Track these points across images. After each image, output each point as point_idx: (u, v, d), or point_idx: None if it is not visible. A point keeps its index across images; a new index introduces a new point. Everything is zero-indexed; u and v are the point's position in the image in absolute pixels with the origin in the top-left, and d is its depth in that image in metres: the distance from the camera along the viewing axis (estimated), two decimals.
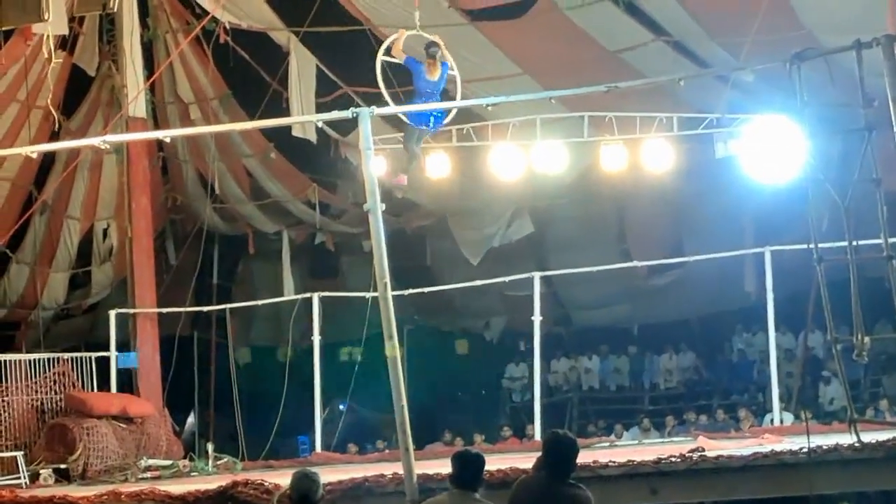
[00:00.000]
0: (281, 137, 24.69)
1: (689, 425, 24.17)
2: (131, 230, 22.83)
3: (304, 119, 22.37)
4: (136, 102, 22.22)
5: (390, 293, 12.56)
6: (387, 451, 22.68)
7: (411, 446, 12.66)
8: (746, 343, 28.64)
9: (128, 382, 22.11)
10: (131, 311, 22.43)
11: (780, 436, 16.60)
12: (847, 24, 18.34)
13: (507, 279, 22.73)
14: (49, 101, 19.90)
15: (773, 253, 19.71)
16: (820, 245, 12.17)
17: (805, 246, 12.83)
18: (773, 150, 18.27)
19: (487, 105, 14.84)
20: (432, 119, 16.68)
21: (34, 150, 17.46)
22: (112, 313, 22.42)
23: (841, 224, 13.22)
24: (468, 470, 9.52)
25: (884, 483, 13.89)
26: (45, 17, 13.17)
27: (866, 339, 11.03)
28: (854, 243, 11.25)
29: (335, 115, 14.31)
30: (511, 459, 14.51)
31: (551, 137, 20.30)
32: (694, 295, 27.36)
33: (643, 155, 20.02)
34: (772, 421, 20.32)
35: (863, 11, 18.57)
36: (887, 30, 15.64)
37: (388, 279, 12.56)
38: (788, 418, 21.10)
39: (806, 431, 12.99)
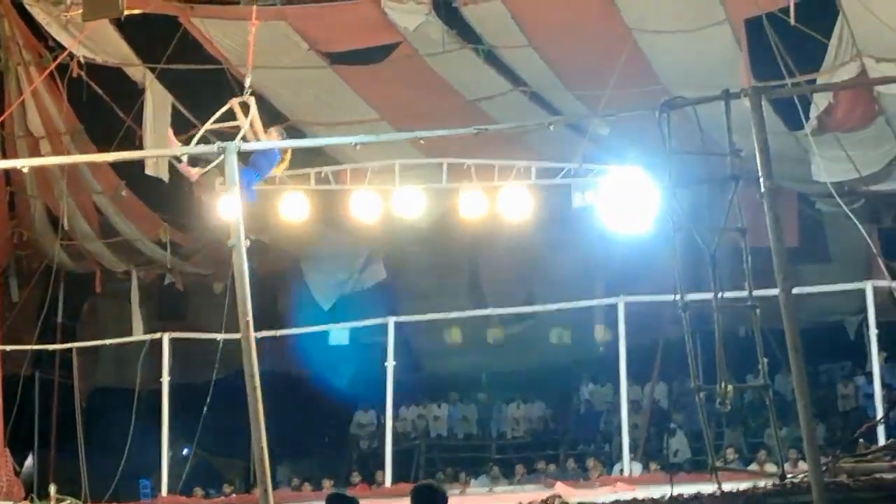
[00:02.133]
0: (133, 175, 24.24)
1: (539, 474, 24.28)
2: None
3: (166, 152, 21.95)
4: None
5: (252, 332, 12.40)
6: (234, 495, 22.41)
7: (270, 487, 12.48)
8: (593, 394, 28.92)
9: None
10: None
11: (632, 485, 16.77)
12: (701, 80, 18.72)
13: (360, 324, 22.67)
14: None
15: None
16: (690, 297, 12.28)
17: (668, 297, 12.89)
18: (628, 201, 18.61)
19: (356, 145, 14.75)
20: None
21: None
22: None
23: (694, 275, 13.40)
24: None
25: None
26: None
27: (729, 387, 11.18)
28: (720, 295, 11.40)
29: (201, 148, 14.16)
30: None
31: (410, 183, 20.28)
32: (544, 345, 27.57)
33: (501, 203, 20.07)
34: (621, 471, 20.51)
35: (715, 69, 19.00)
36: (741, 86, 16.01)
37: (250, 317, 12.40)
38: (637, 468, 21.36)
39: (664, 480, 13.12)
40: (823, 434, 25.42)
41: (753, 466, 21.83)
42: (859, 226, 18.22)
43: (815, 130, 19.18)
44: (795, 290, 12.14)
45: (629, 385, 23.65)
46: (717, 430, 26.64)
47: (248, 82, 16.35)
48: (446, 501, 9.65)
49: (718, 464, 21.70)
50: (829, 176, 19.83)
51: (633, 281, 22.63)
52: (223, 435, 25.56)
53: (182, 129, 22.71)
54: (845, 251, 24.64)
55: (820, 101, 19.08)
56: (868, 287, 19.63)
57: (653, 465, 22.63)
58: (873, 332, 19.73)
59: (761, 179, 11.17)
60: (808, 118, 19.06)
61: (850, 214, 18.05)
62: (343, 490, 21.39)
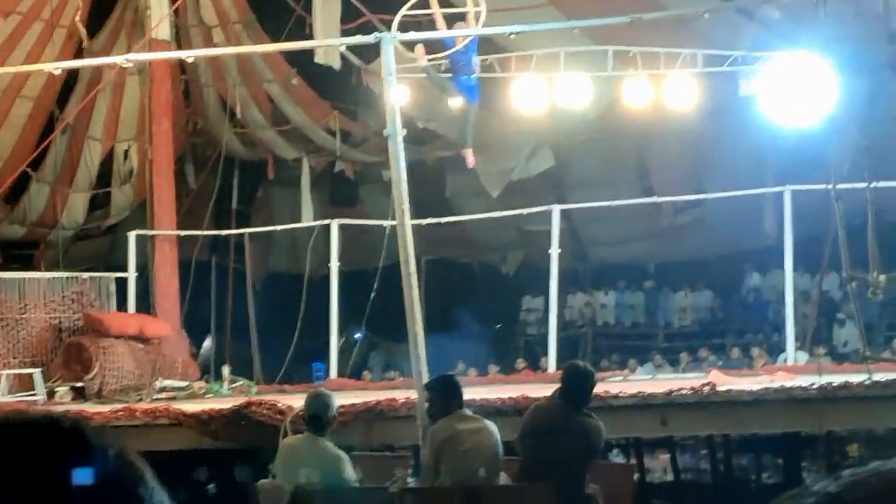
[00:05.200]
0: (303, 63, 24.62)
1: (702, 362, 24.24)
2: (152, 152, 22.88)
3: (326, 43, 22.16)
4: (160, 25, 22.18)
5: (408, 219, 12.55)
6: (400, 378, 22.81)
7: (425, 370, 12.72)
8: (761, 283, 28.67)
9: (145, 304, 22.27)
10: (150, 232, 22.52)
11: (793, 374, 16.62)
12: None
13: (525, 212, 22.76)
14: (78, 17, 19.87)
15: (793, 194, 19.66)
16: (842, 185, 12.08)
17: (824, 186, 12.72)
18: (796, 89, 18.21)
19: (511, 35, 14.69)
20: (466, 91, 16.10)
21: (58, 67, 17.38)
22: (131, 235, 22.53)
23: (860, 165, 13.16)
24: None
25: (894, 422, 13.94)
26: None
27: (881, 276, 10.99)
28: (873, 184, 11.18)
29: (358, 39, 14.30)
30: (525, 389, 14.61)
31: (575, 71, 20.18)
32: (712, 234, 27.26)
33: (666, 91, 19.88)
34: (786, 360, 20.34)
35: None
36: None
37: (406, 205, 12.53)
38: (803, 357, 21.12)
39: (818, 369, 12.98)
40: None
41: None
42: None
43: None
44: None
45: (800, 275, 23.44)
46: (889, 322, 26.29)
47: None
48: (594, 380, 9.84)
49: (885, 355, 21.64)
50: None
51: (803, 170, 22.19)
52: (391, 321, 25.96)
53: (351, 17, 22.94)
54: None
55: None
56: None
57: (818, 354, 22.37)
58: None
59: None
60: None
61: None
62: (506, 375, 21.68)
